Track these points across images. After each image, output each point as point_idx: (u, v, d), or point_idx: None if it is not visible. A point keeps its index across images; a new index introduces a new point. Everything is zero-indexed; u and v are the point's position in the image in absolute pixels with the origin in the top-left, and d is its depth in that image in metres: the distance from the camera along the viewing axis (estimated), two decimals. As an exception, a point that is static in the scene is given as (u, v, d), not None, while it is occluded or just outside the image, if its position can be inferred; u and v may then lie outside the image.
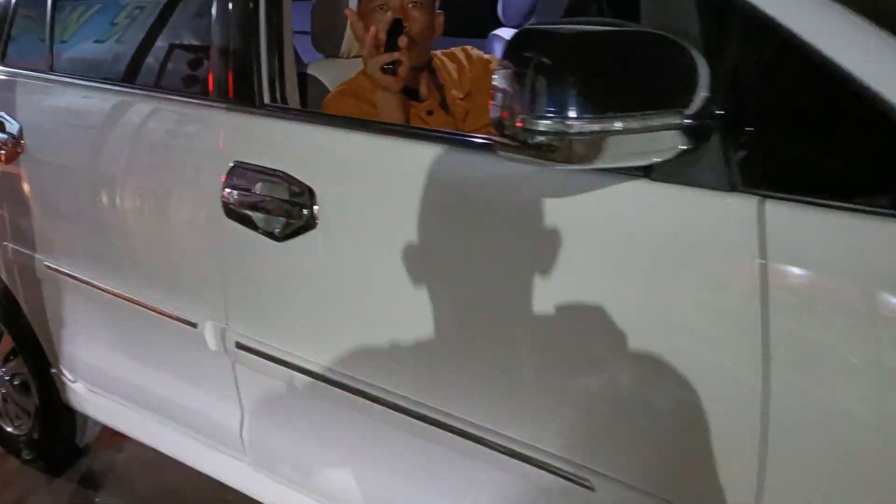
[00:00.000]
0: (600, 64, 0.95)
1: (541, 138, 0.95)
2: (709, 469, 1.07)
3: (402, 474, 1.52)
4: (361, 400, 1.47)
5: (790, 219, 0.99)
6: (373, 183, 1.40)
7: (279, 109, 1.59)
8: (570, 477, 1.22)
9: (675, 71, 1.00)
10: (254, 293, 1.62)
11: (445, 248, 1.32)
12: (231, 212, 1.58)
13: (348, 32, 1.88)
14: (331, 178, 1.45)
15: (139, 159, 1.82)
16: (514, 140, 0.98)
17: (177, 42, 1.92)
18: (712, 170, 1.04)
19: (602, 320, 1.14)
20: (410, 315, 1.37)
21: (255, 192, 1.54)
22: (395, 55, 1.53)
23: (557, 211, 1.17)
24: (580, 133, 0.93)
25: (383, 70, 1.53)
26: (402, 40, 1.55)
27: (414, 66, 1.62)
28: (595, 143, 0.95)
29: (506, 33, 2.67)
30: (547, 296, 1.19)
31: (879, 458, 0.95)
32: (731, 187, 1.03)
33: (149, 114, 1.82)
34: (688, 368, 1.07)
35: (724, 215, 1.03)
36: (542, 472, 1.25)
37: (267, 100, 1.59)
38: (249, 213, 1.55)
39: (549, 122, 0.93)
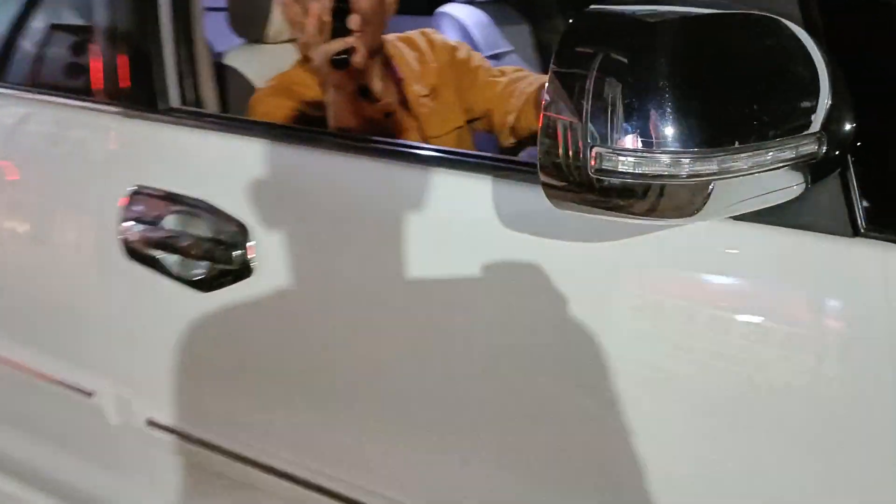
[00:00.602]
0: (710, 66, 0.61)
1: (615, 180, 0.61)
2: None
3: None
4: (318, 496, 1.13)
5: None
6: (328, 216, 1.05)
7: (191, 115, 1.23)
8: None
9: (794, 71, 0.68)
10: (171, 358, 1.24)
11: (425, 303, 0.99)
12: (133, 252, 1.21)
13: (276, 12, 1.50)
14: (269, 209, 1.09)
15: (8, 183, 1.41)
16: (573, 181, 0.63)
17: (59, 22, 1.52)
18: (827, 207, 0.74)
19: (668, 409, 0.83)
20: (378, 390, 1.05)
21: (164, 227, 1.16)
22: (349, 41, 1.16)
23: (595, 255, 0.84)
24: (692, 176, 0.59)
25: (333, 62, 1.16)
26: (354, 20, 1.17)
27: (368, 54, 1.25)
28: (701, 189, 0.61)
29: (455, 10, 2.32)
30: (598, 369, 0.87)
31: None
32: (854, 232, 0.74)
33: (19, 120, 1.41)
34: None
35: (845, 270, 0.74)
36: None
37: (175, 101, 1.24)
38: (158, 254, 1.17)
39: (643, 159, 0.58)
